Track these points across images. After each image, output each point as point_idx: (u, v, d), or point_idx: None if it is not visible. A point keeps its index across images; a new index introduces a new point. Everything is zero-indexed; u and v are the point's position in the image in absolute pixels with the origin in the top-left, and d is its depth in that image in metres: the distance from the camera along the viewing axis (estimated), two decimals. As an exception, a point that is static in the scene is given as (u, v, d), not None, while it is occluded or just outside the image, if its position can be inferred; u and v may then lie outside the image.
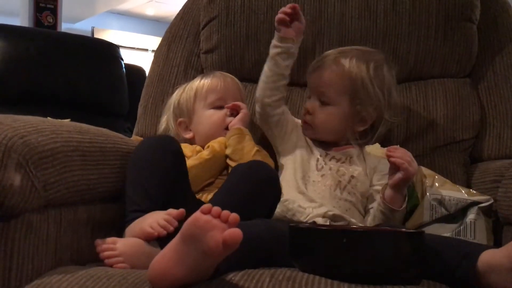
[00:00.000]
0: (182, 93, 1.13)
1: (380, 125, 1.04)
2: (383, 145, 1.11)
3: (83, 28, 6.49)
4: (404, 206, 0.91)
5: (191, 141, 1.11)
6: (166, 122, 1.14)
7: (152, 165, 0.85)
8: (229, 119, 1.07)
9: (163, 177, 0.84)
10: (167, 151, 0.87)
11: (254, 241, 0.71)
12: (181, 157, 0.90)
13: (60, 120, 0.88)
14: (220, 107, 1.09)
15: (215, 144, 1.03)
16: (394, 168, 0.89)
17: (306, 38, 1.20)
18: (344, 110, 1.02)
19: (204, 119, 1.09)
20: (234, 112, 1.08)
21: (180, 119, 1.12)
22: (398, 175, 0.88)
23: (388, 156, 0.89)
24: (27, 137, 0.71)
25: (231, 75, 1.15)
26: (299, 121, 1.10)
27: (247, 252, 0.68)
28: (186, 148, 1.03)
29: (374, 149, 1.04)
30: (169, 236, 0.74)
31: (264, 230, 0.76)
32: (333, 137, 1.05)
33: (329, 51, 1.08)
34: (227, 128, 1.07)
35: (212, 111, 1.09)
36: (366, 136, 1.05)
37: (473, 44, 1.16)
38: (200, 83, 1.12)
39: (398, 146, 0.97)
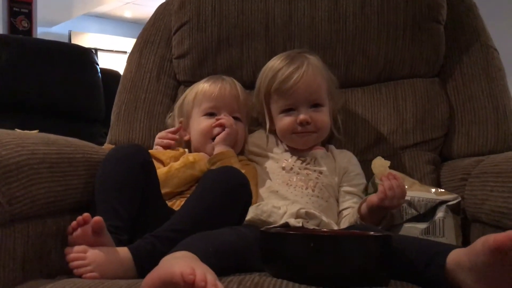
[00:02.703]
0: (188, 94, 1.14)
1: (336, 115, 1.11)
2: (354, 148, 1.13)
3: (60, 32, 6.38)
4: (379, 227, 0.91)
5: (188, 143, 1.11)
6: (172, 118, 1.16)
7: (120, 183, 0.83)
8: (216, 130, 1.05)
9: (132, 193, 0.84)
10: (135, 163, 0.85)
11: (225, 249, 0.72)
12: (149, 167, 0.89)
13: (27, 131, 0.87)
14: (212, 115, 1.08)
15: (191, 156, 1.02)
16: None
17: (278, 42, 1.21)
18: (328, 107, 1.07)
19: (196, 125, 1.09)
20: (221, 128, 1.05)
21: (181, 119, 1.13)
22: (374, 198, 0.89)
23: (380, 179, 0.91)
24: (-10, 152, 0.70)
25: (235, 83, 1.12)
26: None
27: (218, 260, 0.68)
28: (164, 155, 1.03)
29: (383, 164, 0.96)
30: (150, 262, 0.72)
31: (235, 237, 0.76)
32: (328, 134, 1.09)
33: (294, 57, 1.06)
34: (214, 138, 1.05)
35: (203, 118, 1.08)
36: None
37: (441, 44, 1.17)
38: (200, 87, 1.11)
39: (403, 177, 0.96)
